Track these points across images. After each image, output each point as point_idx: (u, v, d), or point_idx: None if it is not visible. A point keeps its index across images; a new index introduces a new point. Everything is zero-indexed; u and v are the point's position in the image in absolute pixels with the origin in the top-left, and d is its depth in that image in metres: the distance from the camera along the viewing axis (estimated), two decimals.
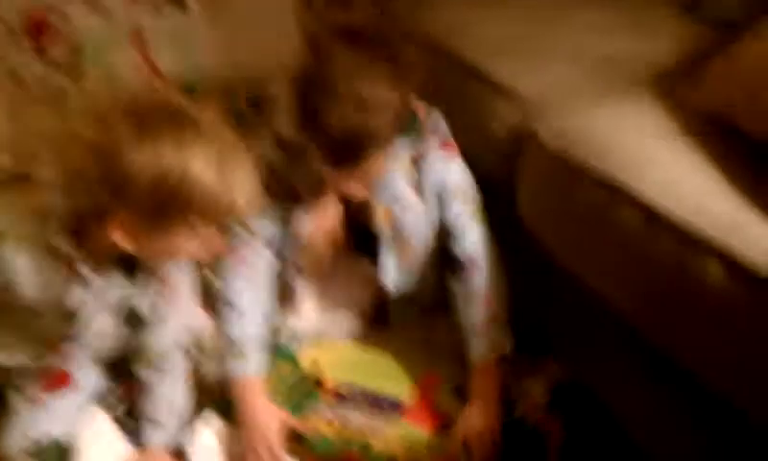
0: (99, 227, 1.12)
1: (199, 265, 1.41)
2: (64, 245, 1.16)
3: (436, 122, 1.45)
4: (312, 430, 1.34)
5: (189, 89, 2.78)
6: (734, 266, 1.03)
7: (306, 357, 1.48)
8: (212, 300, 1.46)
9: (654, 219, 1.12)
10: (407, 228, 1.47)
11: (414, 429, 1.33)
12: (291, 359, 1.48)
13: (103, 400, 1.40)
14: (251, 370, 1.39)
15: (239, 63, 3.01)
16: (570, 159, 1.29)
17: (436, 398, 1.39)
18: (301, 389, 1.41)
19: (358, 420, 1.35)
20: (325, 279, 1.59)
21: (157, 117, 1.06)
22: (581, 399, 1.37)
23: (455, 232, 1.44)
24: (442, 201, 1.45)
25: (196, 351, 1.44)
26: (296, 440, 1.33)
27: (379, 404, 1.38)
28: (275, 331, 1.54)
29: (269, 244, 1.48)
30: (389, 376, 1.43)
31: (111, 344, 1.35)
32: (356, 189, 1.38)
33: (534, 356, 1.44)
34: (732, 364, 1.05)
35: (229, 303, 1.42)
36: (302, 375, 1.44)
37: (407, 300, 1.54)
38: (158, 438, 1.36)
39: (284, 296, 1.58)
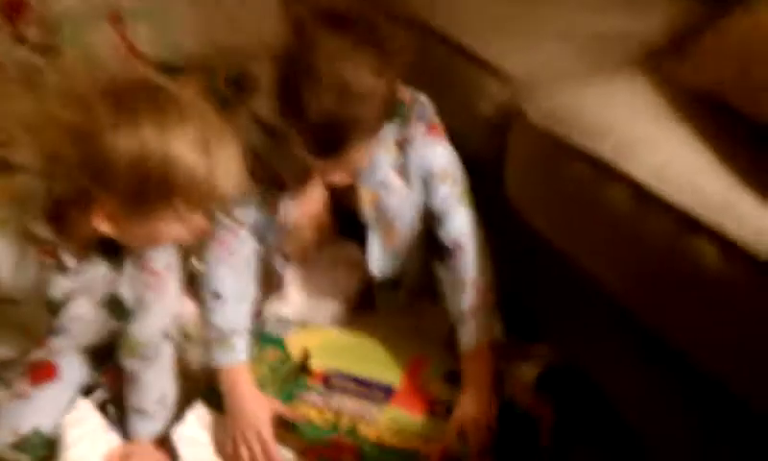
0: (78, 212, 1.10)
1: (185, 253, 1.38)
2: (43, 231, 1.13)
3: (422, 107, 1.43)
4: (301, 417, 1.32)
5: (168, 69, 2.76)
6: (728, 246, 1.01)
7: (294, 343, 1.46)
8: (196, 287, 1.43)
9: (645, 199, 1.10)
10: (392, 212, 1.45)
11: (403, 413, 1.32)
12: (278, 346, 1.46)
13: (88, 391, 1.39)
14: (236, 358, 1.37)
15: (218, 42, 2.98)
16: (559, 139, 1.27)
17: (424, 381, 1.38)
18: (289, 375, 1.40)
19: (347, 405, 1.34)
20: (311, 264, 1.58)
21: (137, 98, 1.04)
22: (573, 381, 1.36)
23: (441, 217, 1.42)
24: (427, 186, 1.43)
25: (181, 339, 1.42)
26: (285, 427, 1.32)
27: (368, 389, 1.36)
28: (261, 318, 1.53)
29: (252, 230, 1.46)
30: (377, 361, 1.42)
31: (95, 333, 1.33)
32: (340, 177, 1.36)
33: (524, 339, 1.42)
34: (726, 345, 1.05)
35: (212, 291, 1.39)
36: (290, 361, 1.42)
37: (393, 284, 1.52)
38: (146, 429, 1.35)
39: (270, 282, 1.56)
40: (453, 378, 1.35)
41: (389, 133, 1.38)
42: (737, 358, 1.03)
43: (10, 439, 1.29)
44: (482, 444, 1.26)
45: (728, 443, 1.12)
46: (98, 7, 2.74)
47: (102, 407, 1.39)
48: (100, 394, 1.39)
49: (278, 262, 1.56)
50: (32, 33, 2.76)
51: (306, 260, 1.57)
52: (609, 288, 1.22)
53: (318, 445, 1.30)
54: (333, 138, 1.24)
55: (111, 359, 1.38)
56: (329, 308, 1.56)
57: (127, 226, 1.11)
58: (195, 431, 1.35)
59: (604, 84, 1.35)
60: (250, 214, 1.44)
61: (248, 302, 1.44)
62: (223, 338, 1.37)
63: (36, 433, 1.30)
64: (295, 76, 1.21)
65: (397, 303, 1.55)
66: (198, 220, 1.15)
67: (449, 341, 1.41)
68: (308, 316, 1.55)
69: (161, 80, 1.11)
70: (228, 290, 1.40)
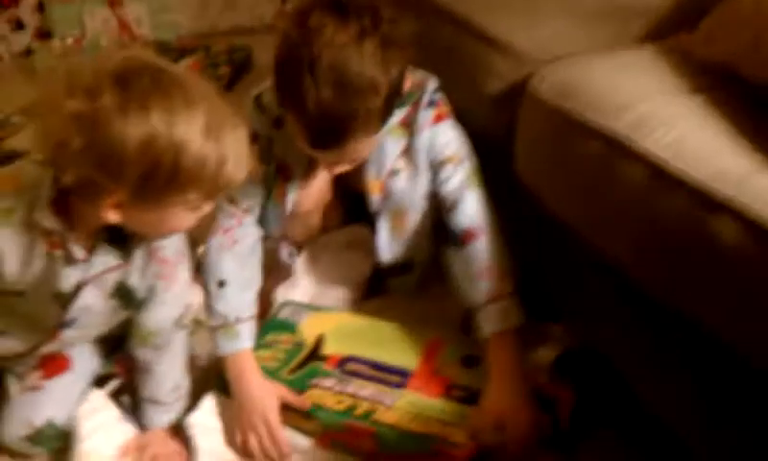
0: (86, 201, 1.08)
1: (193, 241, 1.37)
2: (50, 221, 1.12)
3: (431, 93, 1.41)
4: (312, 404, 1.31)
5: (165, 49, 2.74)
6: (746, 223, 0.99)
7: (308, 329, 1.45)
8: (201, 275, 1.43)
9: (662, 176, 1.08)
10: (401, 198, 1.44)
11: (420, 397, 1.31)
12: (292, 331, 1.45)
13: (101, 381, 1.38)
14: (241, 345, 1.36)
15: (215, 22, 2.97)
16: (571, 115, 1.25)
17: (440, 365, 1.36)
18: (304, 361, 1.39)
19: (363, 390, 1.32)
20: (320, 249, 1.57)
21: (144, 84, 1.02)
22: (590, 363, 1.34)
23: (453, 205, 1.41)
24: (437, 173, 1.42)
25: (192, 327, 1.41)
26: (301, 412, 1.31)
27: (384, 373, 1.35)
28: (273, 305, 1.52)
29: (255, 215, 1.45)
30: (392, 345, 1.40)
31: (106, 323, 1.33)
32: (342, 166, 1.34)
33: (538, 321, 1.40)
34: (745, 322, 1.03)
35: (216, 279, 1.39)
36: (305, 346, 1.42)
37: (404, 269, 1.51)
38: (160, 418, 1.34)
39: (278, 272, 1.55)
40: (470, 363, 1.34)
41: (395, 116, 1.35)
42: (758, 336, 1.02)
43: (23, 432, 1.30)
44: (523, 434, 1.24)
45: (749, 421, 1.11)
46: None
47: (115, 397, 1.38)
48: (113, 384, 1.38)
49: (285, 251, 1.55)
50: (30, 18, 2.74)
51: (314, 244, 1.56)
52: (623, 266, 1.21)
53: (334, 430, 1.29)
54: (332, 131, 1.22)
55: (123, 348, 1.37)
56: (340, 293, 1.56)
57: (136, 214, 1.09)
58: (209, 419, 1.35)
59: (614, 58, 1.34)
60: (252, 199, 1.43)
61: (252, 289, 1.44)
62: (227, 325, 1.36)
63: (50, 425, 1.30)
64: (295, 65, 1.19)
65: (409, 287, 1.54)
66: (206, 207, 1.14)
67: (463, 325, 1.41)
68: (319, 301, 1.54)
69: (166, 64, 1.09)
70: (232, 277, 1.39)
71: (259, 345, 1.42)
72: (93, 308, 1.25)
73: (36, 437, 1.30)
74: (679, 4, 1.47)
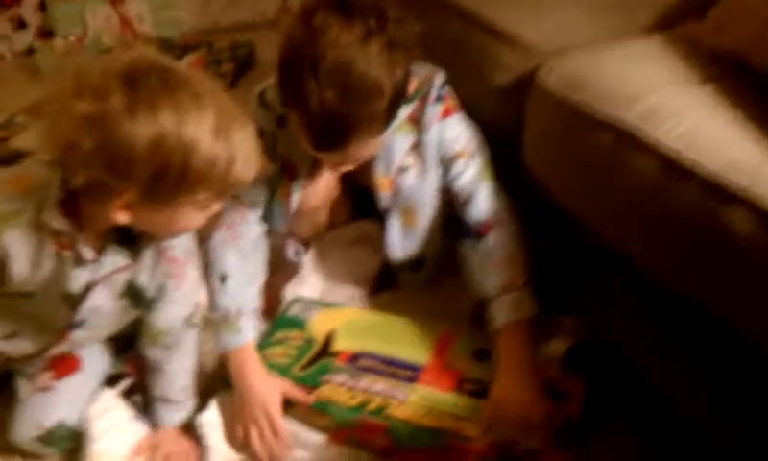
0: (95, 202, 1.08)
1: (201, 239, 1.37)
2: (59, 222, 1.12)
3: (439, 87, 1.40)
4: (323, 400, 1.31)
5: (167, 46, 2.73)
6: (761, 214, 0.99)
7: (318, 325, 1.45)
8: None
9: (674, 168, 1.08)
10: (411, 195, 1.43)
11: (432, 392, 1.30)
12: (301, 328, 1.45)
13: (112, 380, 1.38)
14: (243, 339, 1.35)
15: (217, 18, 2.96)
16: (580, 107, 1.24)
17: (452, 359, 1.36)
18: (315, 358, 1.38)
19: (376, 385, 1.32)
20: (329, 245, 1.56)
21: (152, 84, 1.01)
22: (602, 355, 1.34)
23: (467, 199, 1.40)
24: (448, 168, 1.42)
25: (201, 325, 1.41)
26: (313, 409, 1.31)
27: (396, 368, 1.35)
28: (282, 302, 1.52)
29: (259, 210, 1.45)
30: (403, 340, 1.40)
31: (116, 323, 1.33)
32: (345, 167, 1.34)
33: (549, 314, 1.40)
34: (758, 313, 1.03)
35: (219, 274, 1.39)
36: (315, 343, 1.41)
37: (415, 266, 1.50)
38: (171, 417, 1.34)
39: (285, 265, 1.55)
40: (482, 356, 1.34)
41: (403, 112, 1.35)
42: None
43: (35, 433, 1.29)
44: (533, 425, 1.23)
45: (759, 409, 1.11)
46: None
47: (126, 396, 1.38)
48: (124, 383, 1.38)
49: (291, 249, 1.54)
50: (31, 17, 2.74)
51: (322, 241, 1.56)
52: (634, 258, 1.20)
53: (347, 426, 1.29)
54: (334, 133, 1.21)
55: (134, 347, 1.37)
56: (349, 288, 1.56)
57: (146, 215, 1.09)
58: (220, 417, 1.34)
59: (622, 49, 1.33)
60: (259, 198, 1.42)
61: (255, 284, 1.43)
62: (229, 320, 1.36)
63: (62, 426, 1.30)
64: (298, 65, 1.18)
65: (419, 283, 1.53)
66: (215, 206, 1.14)
67: (474, 319, 1.41)
68: (328, 297, 1.54)
69: (173, 63, 1.08)
70: (235, 272, 1.39)
71: (269, 342, 1.42)
72: (103, 309, 1.25)
73: (48, 438, 1.30)
74: None
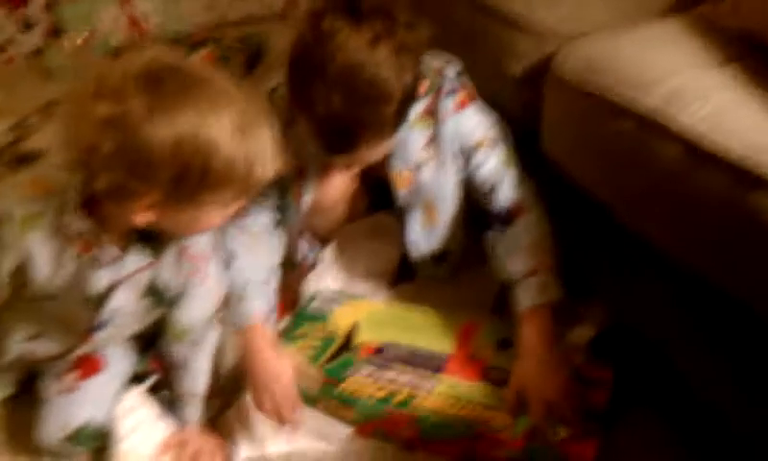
0: (117, 204, 1.08)
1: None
2: (80, 224, 1.12)
3: (452, 79, 1.39)
4: (351, 394, 1.31)
5: (175, 42, 2.73)
6: None
7: (341, 318, 1.45)
8: None
9: (698, 154, 1.07)
10: (430, 189, 1.42)
11: (458, 382, 1.30)
12: (324, 321, 1.45)
13: (138, 378, 1.38)
14: (254, 315, 1.34)
15: (226, 12, 2.95)
16: (598, 92, 1.25)
17: (476, 348, 1.36)
18: (338, 352, 1.38)
19: (401, 377, 1.32)
20: (347, 238, 1.56)
21: (171, 86, 1.01)
22: (628, 342, 1.33)
23: (492, 187, 1.39)
24: (470, 159, 1.40)
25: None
26: (340, 402, 1.31)
27: (421, 359, 1.35)
28: (301, 297, 1.52)
29: (271, 198, 1.43)
30: (426, 331, 1.40)
31: (139, 322, 1.33)
32: (356, 168, 1.33)
33: (574, 300, 1.38)
34: None
35: (227, 252, 1.37)
36: (337, 337, 1.41)
37: (436, 262, 1.50)
38: (198, 414, 1.34)
39: (301, 263, 1.54)
40: (506, 345, 1.33)
41: (418, 106, 1.34)
42: None
43: (62, 433, 1.29)
44: (556, 410, 1.22)
45: None
46: None
47: (153, 393, 1.38)
48: (150, 380, 1.38)
49: (305, 248, 1.53)
50: (39, 17, 2.73)
51: (341, 236, 1.55)
52: (659, 243, 1.20)
53: (374, 419, 1.28)
54: (342, 137, 1.21)
55: (158, 344, 1.37)
56: (368, 282, 1.55)
57: (168, 216, 1.09)
58: (247, 412, 1.33)
59: (639, 32, 1.33)
60: (267, 197, 1.42)
61: (264, 265, 1.41)
62: (239, 297, 1.35)
63: (88, 426, 1.30)
64: (306, 69, 1.18)
65: (441, 277, 1.52)
66: (237, 203, 1.14)
67: (496, 309, 1.41)
68: (348, 290, 1.53)
69: (192, 63, 1.09)
70: (242, 252, 1.38)
71: (291, 337, 1.42)
72: (126, 309, 1.25)
73: (75, 438, 1.29)
74: None
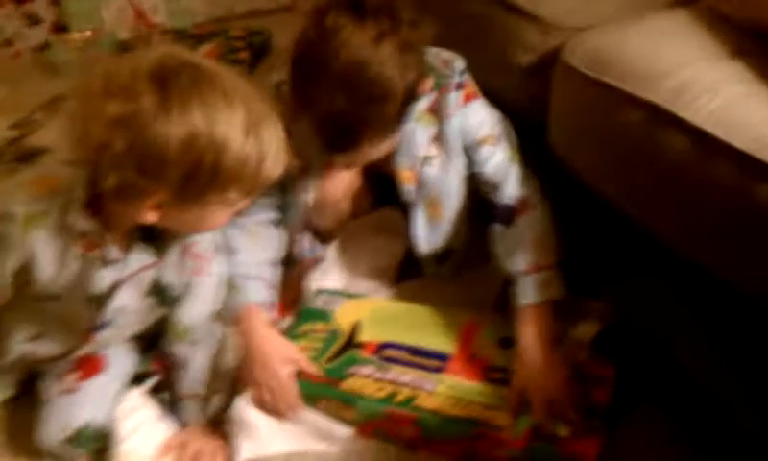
0: (124, 203, 1.07)
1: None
2: (84, 223, 1.11)
3: (458, 74, 1.37)
4: (352, 393, 1.29)
5: (181, 35, 2.72)
6: None
7: (343, 316, 1.43)
8: None
9: (708, 146, 1.05)
10: (435, 186, 1.41)
11: (460, 381, 1.29)
12: (326, 319, 1.43)
13: (138, 379, 1.37)
14: (247, 298, 1.33)
15: (232, 6, 2.94)
16: (606, 84, 1.22)
17: (478, 347, 1.34)
18: (341, 350, 1.37)
19: (403, 376, 1.30)
20: (351, 234, 1.54)
21: (182, 82, 1.00)
22: (632, 338, 1.32)
23: (497, 183, 1.38)
24: (474, 155, 1.39)
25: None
26: (341, 402, 1.29)
27: (422, 358, 1.33)
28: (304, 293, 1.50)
29: (271, 195, 1.42)
30: (428, 329, 1.39)
31: (141, 322, 1.32)
32: (358, 165, 1.32)
33: (578, 297, 1.37)
34: None
35: (226, 247, 1.36)
36: (340, 335, 1.40)
37: (440, 259, 1.48)
38: (199, 414, 1.33)
39: (303, 261, 1.53)
40: (508, 344, 1.31)
41: (422, 103, 1.33)
42: None
43: (62, 435, 1.28)
44: (557, 408, 1.21)
45: None
46: None
47: (153, 394, 1.37)
48: (151, 381, 1.37)
49: (306, 245, 1.52)
50: (45, 12, 2.73)
51: (344, 232, 1.54)
52: (667, 238, 1.18)
53: (375, 418, 1.27)
54: (344, 136, 1.20)
55: (159, 345, 1.36)
56: (372, 278, 1.54)
57: (175, 214, 1.09)
58: (248, 413, 1.32)
59: (647, 24, 1.31)
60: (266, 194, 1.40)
61: (260, 254, 1.40)
62: (234, 285, 1.34)
63: (89, 427, 1.29)
64: (309, 66, 1.17)
65: (445, 275, 1.51)
66: (242, 203, 1.13)
67: (498, 307, 1.39)
68: (351, 287, 1.52)
69: (201, 60, 1.07)
70: (241, 245, 1.37)
71: (295, 335, 1.41)
72: (129, 308, 1.25)
73: (75, 439, 1.28)
74: None
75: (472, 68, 1.39)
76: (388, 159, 1.38)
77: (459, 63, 1.38)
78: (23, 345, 1.27)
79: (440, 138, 1.39)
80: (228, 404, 1.34)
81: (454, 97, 1.37)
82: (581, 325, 1.35)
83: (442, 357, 1.33)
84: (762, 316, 1.05)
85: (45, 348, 1.28)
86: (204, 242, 1.26)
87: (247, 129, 1.02)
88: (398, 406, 1.26)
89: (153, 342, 1.38)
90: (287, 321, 1.46)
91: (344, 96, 1.15)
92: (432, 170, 1.40)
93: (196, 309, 1.29)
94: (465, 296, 1.47)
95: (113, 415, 1.31)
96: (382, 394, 1.28)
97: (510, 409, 1.23)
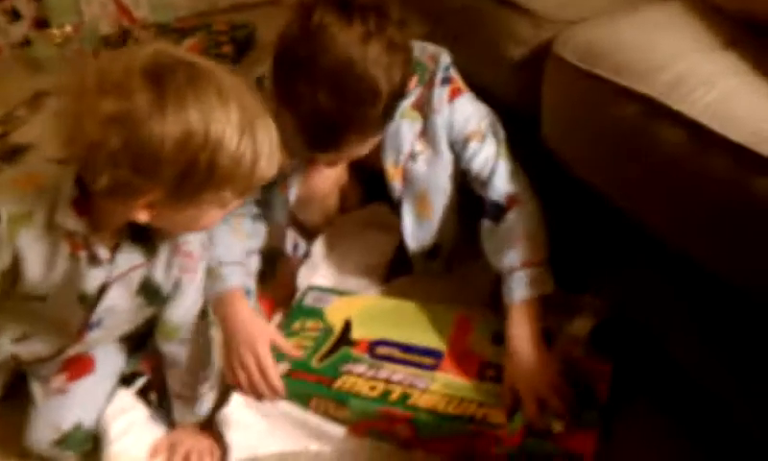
0: (116, 201, 1.05)
1: None
2: (73, 222, 1.09)
3: (444, 69, 1.36)
4: (345, 391, 1.27)
5: (164, 30, 2.70)
6: None
7: (334, 313, 1.42)
8: None
9: (705, 140, 1.03)
10: (423, 182, 1.40)
11: (454, 379, 1.28)
12: (318, 317, 1.42)
13: (128, 379, 1.36)
14: (226, 285, 1.31)
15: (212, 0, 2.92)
16: (599, 77, 1.20)
17: (471, 344, 1.34)
18: (333, 348, 1.35)
19: (396, 374, 1.29)
20: (340, 231, 1.53)
21: (177, 80, 0.98)
22: (627, 333, 1.31)
23: (485, 178, 1.37)
24: (463, 150, 1.38)
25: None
26: (335, 401, 1.27)
27: (415, 355, 1.32)
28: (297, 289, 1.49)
29: (254, 204, 1.41)
30: (420, 326, 1.38)
31: (131, 322, 1.31)
32: (340, 163, 1.31)
33: (572, 292, 1.37)
34: None
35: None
36: (332, 333, 1.38)
37: (430, 255, 1.47)
38: (190, 414, 1.31)
39: (289, 258, 1.52)
40: (500, 339, 1.30)
41: (408, 99, 1.32)
42: None
43: (52, 436, 1.27)
44: (548, 404, 1.19)
45: None
46: None
47: (143, 394, 1.36)
48: (140, 381, 1.35)
49: (290, 242, 1.50)
50: (26, 7, 2.69)
51: (332, 228, 1.53)
52: (660, 232, 1.17)
53: (369, 417, 1.26)
54: (327, 135, 1.19)
55: (148, 345, 1.35)
56: (362, 275, 1.52)
57: (168, 214, 1.07)
58: (239, 414, 1.30)
59: (640, 16, 1.29)
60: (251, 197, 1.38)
61: (241, 247, 1.38)
62: (214, 272, 1.31)
63: (78, 428, 1.28)
64: (293, 64, 1.15)
65: (436, 271, 1.50)
66: (235, 203, 1.11)
67: (490, 303, 1.38)
68: (341, 284, 1.51)
69: (195, 57, 1.05)
70: (220, 234, 1.34)
71: (287, 332, 1.39)
72: (118, 308, 1.23)
73: (65, 441, 1.27)
74: None
75: (463, 62, 1.39)
76: (374, 156, 1.37)
77: (445, 57, 1.36)
78: (10, 346, 1.25)
79: (426, 134, 1.38)
80: (218, 404, 1.32)
81: (441, 92, 1.36)
82: (576, 320, 1.34)
83: (435, 354, 1.32)
84: (754, 309, 1.05)
85: (33, 349, 1.26)
86: (194, 241, 1.24)
87: (242, 127, 1.01)
88: (392, 405, 1.25)
89: (141, 342, 1.37)
90: (277, 319, 1.45)
91: (329, 95, 1.13)
92: (419, 166, 1.39)
93: (184, 308, 1.27)
94: (456, 292, 1.46)
95: (103, 416, 1.29)
96: (375, 392, 1.27)
97: (504, 406, 1.22)
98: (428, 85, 1.36)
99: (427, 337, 1.35)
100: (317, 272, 1.51)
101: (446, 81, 1.37)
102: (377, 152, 1.37)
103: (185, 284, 1.26)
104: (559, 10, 1.37)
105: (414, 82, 1.28)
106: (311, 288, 1.49)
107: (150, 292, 1.23)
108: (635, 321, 1.31)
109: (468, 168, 1.38)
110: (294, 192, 1.41)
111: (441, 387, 1.26)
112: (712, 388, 1.19)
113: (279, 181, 1.39)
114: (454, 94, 1.37)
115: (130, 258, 1.17)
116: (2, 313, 1.21)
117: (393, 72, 1.17)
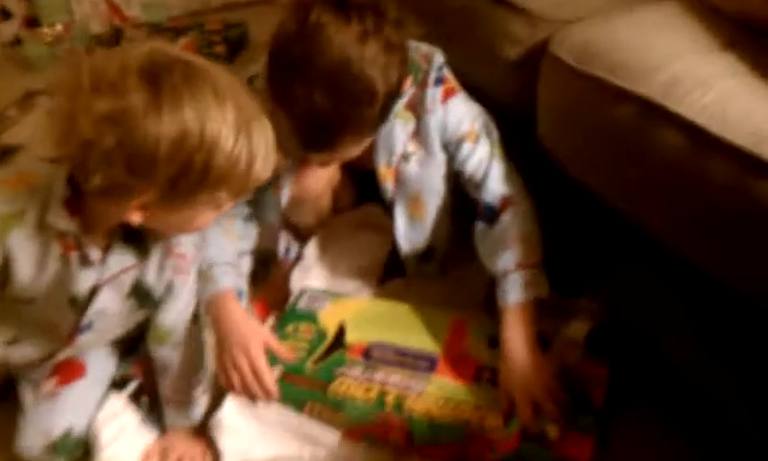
0: (109, 202, 1.04)
1: None
2: (62, 222, 1.07)
3: (437, 69, 1.35)
4: (341, 396, 1.26)
5: (156, 29, 2.68)
6: None
7: (328, 317, 1.40)
8: None
9: (699, 139, 1.03)
10: (416, 183, 1.39)
11: (449, 383, 1.27)
12: (312, 321, 1.40)
13: (119, 384, 1.34)
14: (218, 287, 1.30)
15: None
16: (596, 78, 1.19)
17: (467, 347, 1.32)
18: (328, 351, 1.34)
19: (391, 378, 1.28)
20: (334, 232, 1.52)
21: (174, 79, 0.97)
22: (623, 336, 1.30)
23: (479, 180, 1.36)
24: (456, 151, 1.37)
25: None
26: (330, 406, 1.26)
27: (410, 359, 1.31)
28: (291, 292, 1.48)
29: (245, 204, 1.40)
30: (415, 329, 1.36)
31: (122, 326, 1.29)
32: (333, 164, 1.30)
33: (569, 295, 1.36)
34: None
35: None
36: (326, 336, 1.37)
37: (424, 257, 1.46)
38: (183, 418, 1.30)
39: (281, 261, 1.50)
40: (497, 343, 1.29)
41: (401, 99, 1.31)
42: None
43: (42, 442, 1.25)
44: (542, 407, 1.18)
45: None
46: None
47: (134, 399, 1.34)
48: (132, 386, 1.34)
49: (282, 245, 1.49)
50: (16, 6, 2.68)
51: (325, 230, 1.52)
52: (657, 235, 1.16)
53: (364, 422, 1.24)
54: (322, 135, 1.18)
55: (140, 349, 1.34)
56: (355, 277, 1.51)
57: (162, 215, 1.06)
58: (232, 418, 1.29)
59: (636, 16, 1.29)
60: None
61: (231, 248, 1.37)
62: (206, 274, 1.30)
63: (69, 434, 1.26)
64: (288, 63, 1.14)
65: (428, 273, 1.49)
66: (229, 204, 1.10)
67: (486, 306, 1.36)
68: (335, 287, 1.49)
69: (191, 56, 1.03)
70: (212, 235, 1.33)
71: (280, 335, 1.38)
72: (110, 310, 1.22)
73: (56, 447, 1.25)
74: None
75: (459, 62, 1.38)
76: (367, 156, 1.36)
77: (439, 57, 1.35)
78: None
79: (419, 134, 1.37)
80: (211, 408, 1.31)
81: (434, 92, 1.35)
82: (572, 324, 1.33)
83: (430, 358, 1.31)
84: (751, 311, 1.04)
85: (23, 352, 1.25)
86: (187, 243, 1.23)
87: (238, 127, 1.00)
88: (388, 410, 1.24)
89: (133, 346, 1.35)
90: (271, 322, 1.44)
91: (325, 95, 1.12)
92: (412, 167, 1.38)
93: (177, 311, 1.26)
94: (451, 295, 1.45)
95: (94, 421, 1.28)
96: (371, 396, 1.26)
97: (500, 410, 1.21)
98: (421, 86, 1.34)
99: (422, 340, 1.34)
100: (310, 274, 1.50)
101: (440, 81, 1.36)
102: (370, 152, 1.36)
103: (178, 286, 1.24)
104: (555, 9, 1.36)
105: (409, 81, 1.27)
106: (304, 291, 1.47)
107: (141, 294, 1.22)
108: (630, 323, 1.31)
109: (462, 169, 1.37)
110: (286, 192, 1.39)
111: (437, 390, 1.25)
112: (708, 389, 1.18)
113: (272, 181, 1.37)
114: (447, 94, 1.36)
115: (121, 260, 1.16)
116: None
117: (390, 72, 1.16)
